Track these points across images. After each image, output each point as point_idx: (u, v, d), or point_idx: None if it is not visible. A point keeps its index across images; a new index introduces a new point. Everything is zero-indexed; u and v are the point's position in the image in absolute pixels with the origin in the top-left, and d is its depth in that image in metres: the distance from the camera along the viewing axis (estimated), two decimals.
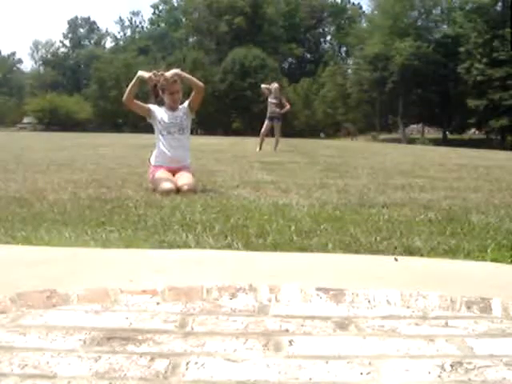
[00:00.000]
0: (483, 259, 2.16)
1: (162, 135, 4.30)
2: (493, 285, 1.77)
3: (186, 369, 1.15)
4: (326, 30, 68.46)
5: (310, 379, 1.11)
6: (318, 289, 1.65)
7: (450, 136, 45.34)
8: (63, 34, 76.19)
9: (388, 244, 2.35)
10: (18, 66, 78.97)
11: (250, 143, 14.06)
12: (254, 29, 55.34)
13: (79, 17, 78.13)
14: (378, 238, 2.44)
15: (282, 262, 2.07)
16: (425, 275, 1.89)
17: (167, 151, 4.29)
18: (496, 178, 6.05)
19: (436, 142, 37.31)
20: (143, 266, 1.94)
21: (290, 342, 1.30)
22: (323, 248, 2.28)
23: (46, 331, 1.35)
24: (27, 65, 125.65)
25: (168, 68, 4.70)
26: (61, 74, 70.12)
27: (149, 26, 75.46)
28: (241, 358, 1.20)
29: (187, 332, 1.36)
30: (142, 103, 4.39)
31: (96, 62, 56.20)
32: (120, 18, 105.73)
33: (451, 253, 2.24)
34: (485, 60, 36.93)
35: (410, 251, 2.25)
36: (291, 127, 36.14)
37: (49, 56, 74.62)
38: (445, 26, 46.96)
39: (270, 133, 11.64)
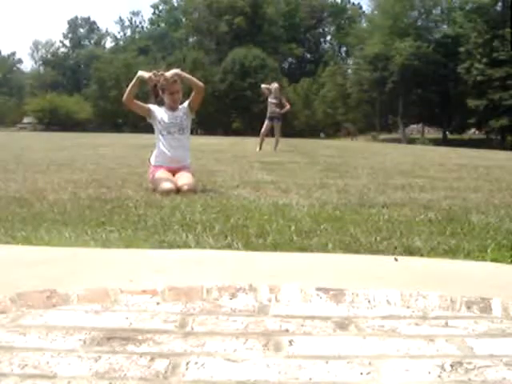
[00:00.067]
0: (483, 259, 2.16)
1: (162, 135, 4.30)
2: (493, 285, 1.77)
3: (186, 369, 1.15)
4: (326, 30, 68.48)
5: (310, 379, 1.11)
6: (318, 289, 1.65)
7: (449, 136, 45.35)
8: (63, 34, 76.34)
9: (388, 244, 2.35)
10: (18, 65, 79.08)
11: (249, 143, 14.07)
12: (253, 29, 55.33)
13: (79, 17, 78.26)
14: (378, 238, 2.44)
15: (282, 262, 2.07)
16: (425, 275, 1.89)
17: (167, 151, 4.29)
18: (496, 177, 6.05)
19: (436, 142, 37.32)
20: (143, 266, 1.94)
21: (290, 342, 1.30)
22: (323, 248, 2.28)
23: (46, 331, 1.35)
24: (27, 65, 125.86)
25: (168, 68, 4.70)
26: (61, 73, 70.12)
27: (149, 26, 75.48)
28: (241, 357, 1.20)
29: (187, 332, 1.36)
30: (142, 103, 4.39)
31: (96, 62, 56.21)
32: (120, 18, 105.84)
33: (451, 253, 2.24)
34: (485, 60, 36.93)
35: (410, 251, 2.25)
36: (291, 127, 36.14)
37: (49, 56, 74.63)
38: (445, 26, 46.99)
39: (270, 133, 11.64)
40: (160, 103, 4.37)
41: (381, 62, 43.39)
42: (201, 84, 4.37)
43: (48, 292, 1.59)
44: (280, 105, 11.28)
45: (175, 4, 71.61)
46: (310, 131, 45.48)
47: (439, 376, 1.13)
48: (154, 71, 4.27)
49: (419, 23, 46.95)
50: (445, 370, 1.16)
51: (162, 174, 4.17)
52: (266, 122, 11.27)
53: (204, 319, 1.45)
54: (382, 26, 45.68)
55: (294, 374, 1.13)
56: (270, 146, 11.07)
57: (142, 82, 4.24)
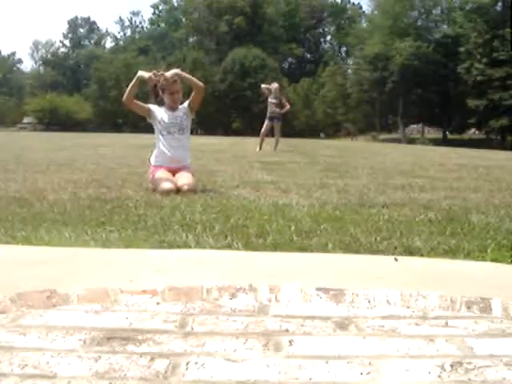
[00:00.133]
0: (483, 259, 2.16)
1: (162, 135, 4.30)
2: (493, 285, 1.77)
3: (186, 369, 1.15)
4: (326, 30, 68.48)
5: (310, 379, 1.11)
6: (318, 289, 1.65)
7: (449, 136, 45.35)
8: (63, 34, 76.35)
9: (388, 244, 2.35)
10: (18, 65, 79.08)
11: (250, 143, 14.07)
12: (254, 29, 55.33)
13: (79, 17, 78.27)
14: (378, 238, 2.44)
15: (282, 262, 2.07)
16: (425, 275, 1.89)
17: (167, 151, 4.29)
18: (496, 177, 6.05)
19: (436, 142, 37.32)
20: (143, 266, 1.94)
21: (290, 342, 1.30)
22: (323, 248, 2.28)
23: (46, 331, 1.35)
24: (27, 65, 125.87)
25: (168, 68, 4.70)
26: (61, 73, 70.13)
27: (149, 26, 75.49)
28: (241, 357, 1.20)
29: (187, 332, 1.36)
30: (142, 103, 4.39)
31: (96, 62, 56.21)
32: (120, 18, 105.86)
33: (451, 253, 2.24)
34: (485, 60, 36.94)
35: (410, 251, 2.25)
36: (291, 127, 36.13)
37: (49, 56, 74.64)
38: (445, 26, 46.98)
39: (270, 133, 11.64)
40: (160, 103, 4.37)
41: (381, 62, 43.39)
42: (201, 84, 4.37)
43: (48, 292, 1.59)
44: (280, 105, 11.28)
45: (175, 4, 71.66)
46: (310, 131, 45.47)
47: (439, 376, 1.13)
48: (154, 71, 4.27)
49: (419, 23, 46.95)
50: (445, 370, 1.16)
51: (161, 173, 4.17)
52: (266, 122, 11.27)
53: (204, 319, 1.45)
54: (382, 26, 45.68)
55: (294, 374, 1.13)
56: (270, 146, 11.07)
57: (142, 82, 4.24)
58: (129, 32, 77.46)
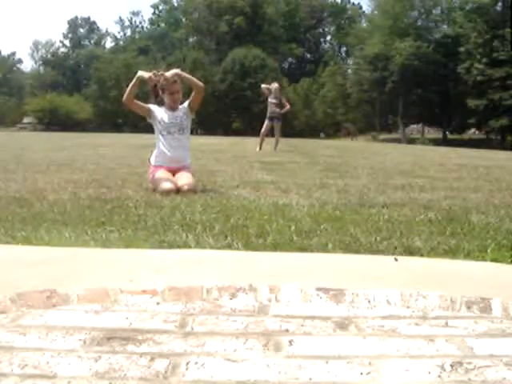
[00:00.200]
0: (483, 259, 2.16)
1: (162, 135, 4.30)
2: (493, 285, 1.77)
3: (186, 369, 1.15)
4: (326, 30, 68.48)
5: (310, 379, 1.11)
6: (318, 289, 1.65)
7: (450, 136, 45.35)
8: (63, 34, 76.35)
9: (388, 244, 2.35)
10: (18, 65, 79.08)
11: (250, 143, 14.07)
12: (253, 29, 55.34)
13: (79, 17, 78.27)
14: (378, 238, 2.44)
15: (282, 261, 2.07)
16: (425, 275, 1.89)
17: (167, 151, 4.29)
18: (496, 177, 6.05)
19: (436, 142, 37.32)
20: (143, 266, 1.94)
21: (290, 342, 1.30)
22: (323, 248, 2.28)
23: (46, 331, 1.35)
24: (27, 65, 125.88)
25: (168, 68, 4.70)
26: (61, 73, 70.12)
27: (149, 26, 75.49)
28: (241, 357, 1.20)
29: (187, 332, 1.36)
30: (142, 103, 4.39)
31: (96, 62, 56.21)
32: (120, 18, 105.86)
33: (451, 253, 2.24)
34: (485, 60, 36.94)
35: (410, 251, 2.25)
36: (291, 127, 36.14)
37: (49, 56, 74.65)
38: (445, 26, 46.98)
39: (270, 133, 11.65)
40: (160, 103, 4.37)
41: (381, 62, 43.39)
42: (201, 84, 4.37)
43: (48, 292, 1.59)
44: (280, 105, 11.29)
45: (175, 4, 71.66)
46: (310, 131, 45.47)
47: (439, 376, 1.13)
48: (154, 71, 4.27)
49: (419, 23, 46.95)
50: (445, 370, 1.16)
51: (161, 173, 4.17)
52: (266, 122, 11.27)
53: (204, 319, 1.45)
54: (382, 26, 45.68)
55: (294, 374, 1.13)
56: (270, 146, 11.07)
57: (142, 81, 4.24)
58: (129, 32, 77.52)
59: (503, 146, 33.34)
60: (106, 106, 51.22)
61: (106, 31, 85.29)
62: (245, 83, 47.64)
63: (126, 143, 14.30)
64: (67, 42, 75.94)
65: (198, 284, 1.68)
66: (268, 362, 1.18)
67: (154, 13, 74.75)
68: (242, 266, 2.00)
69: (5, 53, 76.87)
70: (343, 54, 66.18)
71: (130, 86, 4.21)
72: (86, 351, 1.23)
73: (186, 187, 3.98)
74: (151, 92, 4.38)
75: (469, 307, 1.57)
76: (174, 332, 1.36)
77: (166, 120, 4.30)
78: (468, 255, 2.21)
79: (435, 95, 42.82)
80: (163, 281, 1.70)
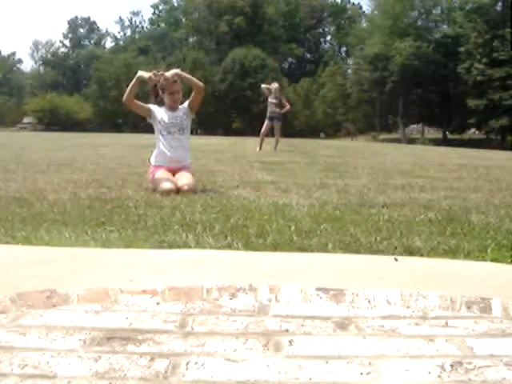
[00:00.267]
0: (483, 259, 2.16)
1: (162, 135, 4.30)
2: (493, 285, 1.77)
3: (186, 369, 1.15)
4: (326, 30, 68.47)
5: (310, 379, 1.11)
6: (318, 289, 1.65)
7: (450, 136, 45.34)
8: (63, 34, 76.37)
9: (388, 244, 2.35)
10: (18, 65, 79.10)
11: (250, 143, 14.07)
12: (253, 29, 55.33)
13: (79, 17, 78.29)
14: (378, 238, 2.44)
15: (282, 262, 2.07)
16: (425, 275, 1.89)
17: (167, 151, 4.29)
18: (496, 177, 6.05)
19: (436, 142, 37.32)
20: (143, 266, 1.94)
21: (290, 342, 1.30)
22: (323, 248, 2.28)
23: (46, 331, 1.35)
24: (27, 65, 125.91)
25: (168, 68, 4.70)
26: (61, 73, 70.13)
27: (149, 26, 75.48)
28: (241, 357, 1.20)
29: (187, 332, 1.36)
30: (142, 103, 4.39)
31: (96, 62, 56.20)
32: (120, 17, 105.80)
33: (451, 253, 2.24)
34: (485, 60, 36.93)
35: (410, 251, 2.25)
36: (291, 127, 36.14)
37: (49, 56, 74.65)
38: (445, 26, 46.98)
39: (270, 133, 11.65)
40: (160, 103, 4.37)
41: (381, 62, 43.38)
42: (201, 84, 4.37)
43: (48, 292, 1.59)
44: (280, 105, 11.29)
45: (175, 4, 71.66)
46: (310, 131, 45.46)
47: (439, 376, 1.13)
48: (154, 71, 4.27)
49: (419, 23, 46.94)
50: (445, 370, 1.16)
51: (162, 174, 4.17)
52: (266, 122, 11.28)
53: (204, 319, 1.45)
54: (382, 26, 45.67)
55: (294, 373, 1.13)
56: (270, 146, 11.08)
57: (142, 81, 4.24)
58: (129, 32, 77.53)
59: (503, 146, 33.34)
60: (106, 106, 51.22)
61: (106, 31, 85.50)
62: (245, 83, 47.63)
63: (126, 143, 14.30)
64: (67, 42, 76.01)
65: (198, 284, 1.68)
66: (268, 362, 1.18)
67: (154, 13, 74.85)
68: (242, 266, 2.00)
69: (5, 53, 77.01)
70: (343, 54, 66.20)
71: (130, 86, 4.21)
72: (85, 351, 1.23)
73: (186, 187, 3.98)
74: (151, 92, 4.38)
75: (469, 307, 1.57)
76: (174, 332, 1.36)
77: (166, 120, 4.30)
78: (468, 255, 2.21)
79: (435, 95, 42.82)
80: (163, 281, 1.70)
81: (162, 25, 72.67)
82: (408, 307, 1.58)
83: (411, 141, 39.06)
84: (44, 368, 1.14)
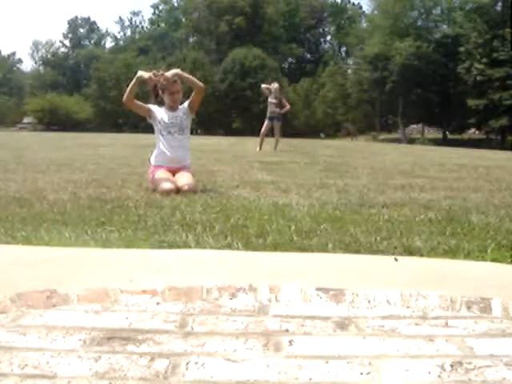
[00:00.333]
0: (483, 259, 2.16)
1: (162, 135, 4.30)
2: (493, 285, 1.77)
3: (186, 369, 1.15)
4: (326, 30, 68.43)
5: (310, 379, 1.11)
6: (318, 289, 1.65)
7: (449, 136, 45.33)
8: (63, 34, 76.31)
9: (388, 244, 2.35)
10: (18, 65, 79.09)
11: (249, 143, 14.07)
12: (253, 29, 55.32)
13: (79, 17, 78.22)
14: (378, 238, 2.44)
15: (282, 261, 2.07)
16: (425, 275, 1.89)
17: (167, 151, 4.29)
18: (496, 178, 6.05)
19: (436, 142, 37.33)
20: (143, 266, 1.94)
21: (290, 342, 1.30)
22: (323, 248, 2.28)
23: (46, 331, 1.35)
24: (27, 65, 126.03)
25: (168, 68, 4.70)
26: (61, 73, 70.11)
27: (149, 26, 75.45)
28: (241, 357, 1.20)
29: (187, 332, 1.36)
30: (142, 103, 4.39)
31: (96, 62, 56.19)
32: (120, 17, 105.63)
33: (451, 253, 2.24)
34: (485, 60, 36.91)
35: (410, 251, 2.25)
36: (291, 127, 36.14)
37: (49, 56, 74.64)
38: (445, 26, 46.95)
39: (270, 133, 11.65)
40: (160, 103, 4.37)
41: (381, 62, 43.38)
42: (201, 84, 4.37)
43: (48, 292, 1.59)
44: (280, 105, 11.29)
45: (175, 4, 71.61)
46: (310, 131, 45.45)
47: (439, 376, 1.13)
48: (154, 71, 4.27)
49: (419, 23, 46.90)
50: (445, 370, 1.16)
51: (162, 174, 4.18)
52: (266, 122, 11.28)
53: (204, 319, 1.45)
54: (382, 26, 45.67)
55: (294, 373, 1.13)
56: (270, 146, 11.08)
57: (142, 82, 4.23)
58: (129, 32, 77.47)
59: (503, 146, 33.34)
60: (106, 106, 51.20)
61: (106, 31, 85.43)
62: (245, 83, 47.61)
63: (126, 143, 14.30)
64: (67, 42, 75.99)
65: (198, 284, 1.68)
66: (268, 362, 1.18)
67: (154, 13, 74.80)
68: (242, 266, 2.00)
69: (5, 53, 76.98)
70: (343, 54, 66.16)
71: (130, 86, 4.21)
72: (85, 351, 1.23)
73: (186, 187, 3.98)
74: (151, 92, 4.38)
75: (469, 307, 1.57)
76: (174, 332, 1.36)
77: (166, 120, 4.30)
78: (468, 255, 2.21)
79: (435, 95, 42.80)
80: (163, 281, 1.70)
81: (162, 25, 72.65)
82: (408, 307, 1.58)
83: (411, 141, 39.06)
84: (44, 368, 1.14)
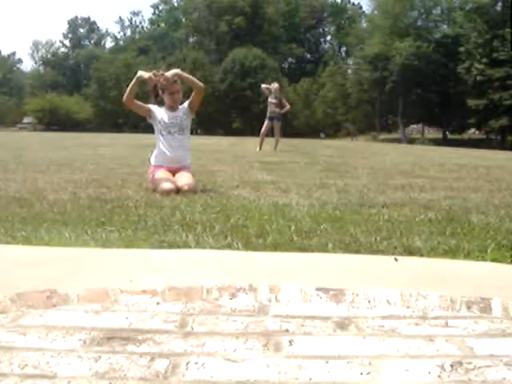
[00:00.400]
0: (483, 259, 2.16)
1: (162, 135, 4.30)
2: (493, 285, 1.77)
3: (186, 369, 1.15)
4: (326, 30, 68.42)
5: (310, 379, 1.11)
6: (318, 289, 1.65)
7: (449, 136, 45.33)
8: (63, 34, 76.32)
9: (388, 244, 2.35)
10: (18, 66, 79.08)
11: (249, 143, 14.07)
12: (253, 29, 55.32)
13: (79, 17, 78.21)
14: (378, 238, 2.44)
15: (282, 262, 2.07)
16: (425, 275, 1.89)
17: (167, 151, 4.29)
18: (496, 178, 6.05)
19: (436, 142, 37.33)
20: (143, 266, 1.94)
21: (290, 342, 1.30)
22: (323, 248, 2.28)
23: (46, 331, 1.35)
24: (27, 65, 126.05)
25: (168, 68, 4.70)
26: (61, 73, 70.11)
27: (149, 26, 75.44)
28: (241, 357, 1.20)
29: (187, 332, 1.36)
30: (142, 103, 4.39)
31: (96, 62, 56.19)
32: (120, 17, 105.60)
33: (451, 253, 2.24)
34: (485, 60, 36.90)
35: (410, 251, 2.25)
36: (291, 127, 36.14)
37: (49, 56, 74.63)
38: (445, 26, 46.95)
39: (270, 133, 11.65)
40: (160, 103, 4.37)
41: (381, 62, 43.37)
42: (201, 84, 4.37)
43: (48, 292, 1.59)
44: (280, 105, 11.30)
45: (175, 4, 71.61)
46: (310, 131, 45.45)
47: (439, 376, 1.13)
48: (154, 71, 4.27)
49: (419, 23, 46.90)
50: (445, 370, 1.16)
51: (162, 174, 4.18)
52: (266, 122, 11.28)
53: (204, 319, 1.45)
54: (382, 26, 45.67)
55: (294, 373, 1.13)
56: (270, 145, 11.08)
57: (142, 82, 4.23)
58: (129, 32, 77.46)
59: (503, 146, 33.34)
60: (106, 106, 51.19)
61: (106, 31, 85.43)
62: (245, 83, 47.61)
63: (126, 143, 14.29)
64: (67, 42, 75.98)
65: (198, 284, 1.68)
66: (268, 362, 1.18)
67: (154, 13, 74.80)
68: (242, 266, 2.00)
69: (5, 53, 76.97)
70: (343, 54, 66.15)
71: (130, 86, 4.21)
72: (85, 351, 1.23)
73: (186, 187, 3.98)
74: (151, 92, 4.38)
75: (469, 307, 1.57)
76: (174, 332, 1.36)
77: (166, 120, 4.30)
78: (468, 255, 2.21)
79: (435, 95, 42.80)
80: (163, 281, 1.70)
81: (162, 25, 72.65)
82: (408, 307, 1.58)
83: (411, 141, 39.06)
84: (44, 368, 1.14)
